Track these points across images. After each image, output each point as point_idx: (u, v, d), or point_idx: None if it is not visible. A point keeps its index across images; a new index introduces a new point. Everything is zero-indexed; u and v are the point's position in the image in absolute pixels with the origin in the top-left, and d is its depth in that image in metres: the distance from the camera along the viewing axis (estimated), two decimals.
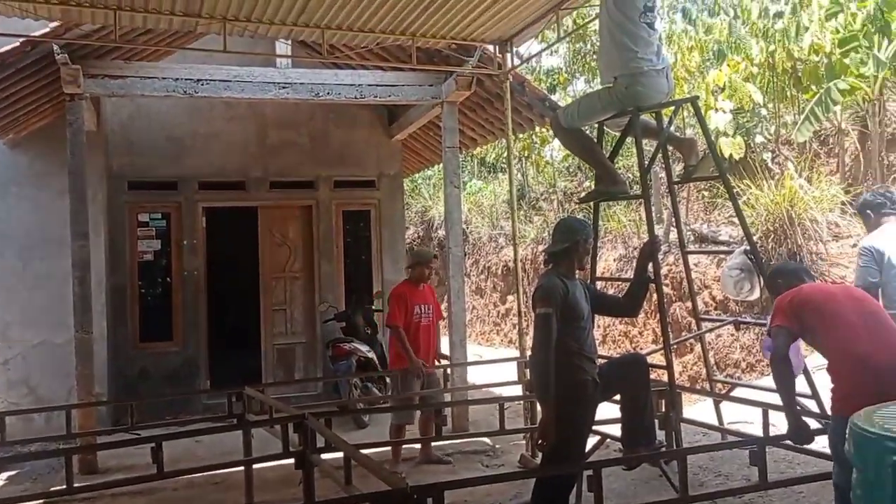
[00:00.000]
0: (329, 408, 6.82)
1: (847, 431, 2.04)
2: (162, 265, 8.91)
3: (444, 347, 7.44)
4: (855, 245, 8.31)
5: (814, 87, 9.29)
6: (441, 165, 9.09)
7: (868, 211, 4.70)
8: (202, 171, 8.94)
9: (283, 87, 7.50)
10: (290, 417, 4.37)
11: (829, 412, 3.47)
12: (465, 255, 15.27)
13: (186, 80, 7.25)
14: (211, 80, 7.29)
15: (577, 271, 4.15)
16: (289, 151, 9.25)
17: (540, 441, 3.85)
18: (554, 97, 11.93)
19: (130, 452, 5.40)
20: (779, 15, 9.99)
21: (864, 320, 3.39)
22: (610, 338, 10.86)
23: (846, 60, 8.84)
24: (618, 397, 4.22)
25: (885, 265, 4.36)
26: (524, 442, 6.37)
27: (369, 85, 7.74)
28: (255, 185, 9.15)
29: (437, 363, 6.81)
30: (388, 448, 6.01)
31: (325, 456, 4.21)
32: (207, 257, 9.07)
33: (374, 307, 9.07)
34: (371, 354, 8.13)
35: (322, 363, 9.01)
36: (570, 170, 15.42)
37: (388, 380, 7.92)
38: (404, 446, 6.20)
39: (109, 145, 8.64)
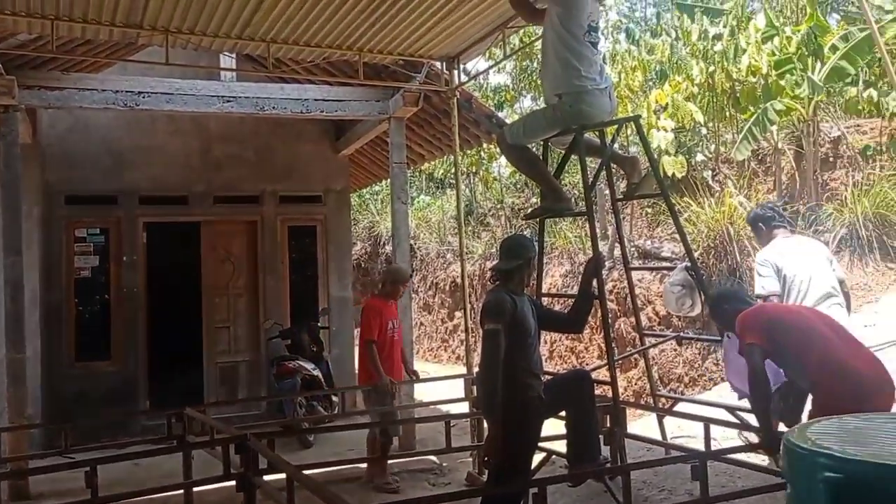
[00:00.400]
0: (273, 428, 6.69)
1: (780, 448, 2.08)
2: (100, 282, 8.67)
3: None
4: None
5: (751, 108, 9.56)
6: (389, 181, 9.06)
7: (760, 224, 4.95)
8: (143, 185, 8.74)
9: (228, 101, 7.40)
10: (231, 438, 4.26)
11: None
12: (413, 271, 15.23)
13: (127, 92, 7.09)
14: (153, 92, 7.15)
15: (524, 288, 4.16)
16: (233, 166, 9.11)
17: (486, 458, 3.84)
18: (501, 114, 12.06)
19: (64, 477, 5.16)
20: (718, 37, 10.27)
21: (837, 333, 3.58)
22: (556, 353, 10.94)
23: (782, 82, 9.14)
24: (563, 413, 4.23)
25: (781, 279, 4.59)
26: (471, 460, 6.34)
27: (315, 100, 7.68)
28: (198, 199, 8.97)
29: (413, 377, 6.74)
30: (333, 468, 5.90)
31: (268, 477, 4.11)
32: (148, 274, 8.84)
33: (319, 324, 8.96)
34: (317, 372, 8.02)
35: (266, 382, 8.85)
36: (518, 186, 15.56)
37: (333, 398, 7.82)
38: (349, 466, 6.11)
39: (46, 158, 8.39)
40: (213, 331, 9.06)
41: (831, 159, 10.53)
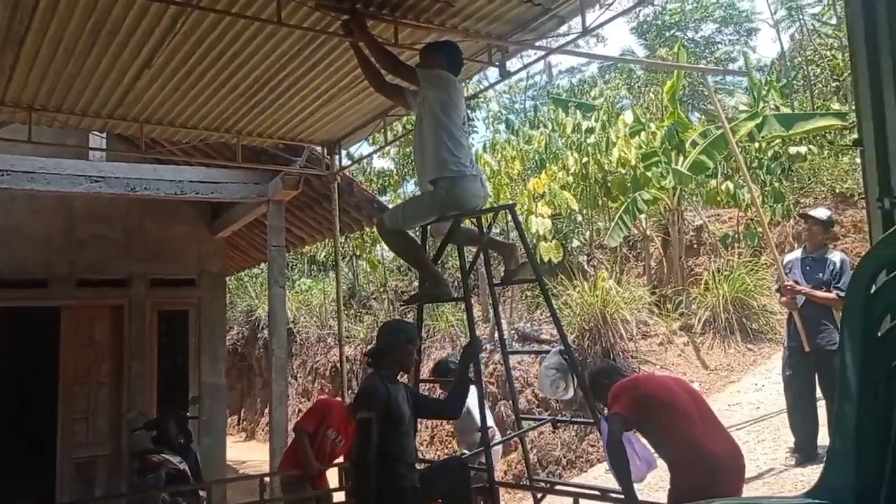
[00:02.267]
0: None
1: None
2: None
3: None
4: (661, 343, 8.91)
5: (622, 197, 10.06)
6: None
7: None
8: None
9: (96, 181, 7.11)
10: None
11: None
12: (293, 355, 14.83)
13: None
14: (12, 171, 6.78)
15: (400, 374, 4.09)
16: (99, 246, 8.68)
17: None
18: (385, 198, 12.16)
19: None
20: (590, 130, 10.82)
21: (701, 415, 3.71)
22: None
23: (649, 174, 9.69)
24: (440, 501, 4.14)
25: None
26: None
27: (191, 181, 7.50)
28: (58, 282, 8.45)
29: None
30: None
31: None
32: None
33: (189, 413, 8.48)
34: (183, 466, 7.53)
35: (128, 477, 8.23)
36: (402, 269, 15.58)
37: (201, 493, 7.35)
38: None
39: None
40: (70, 422, 8.43)
41: (695, 246, 11.17)
